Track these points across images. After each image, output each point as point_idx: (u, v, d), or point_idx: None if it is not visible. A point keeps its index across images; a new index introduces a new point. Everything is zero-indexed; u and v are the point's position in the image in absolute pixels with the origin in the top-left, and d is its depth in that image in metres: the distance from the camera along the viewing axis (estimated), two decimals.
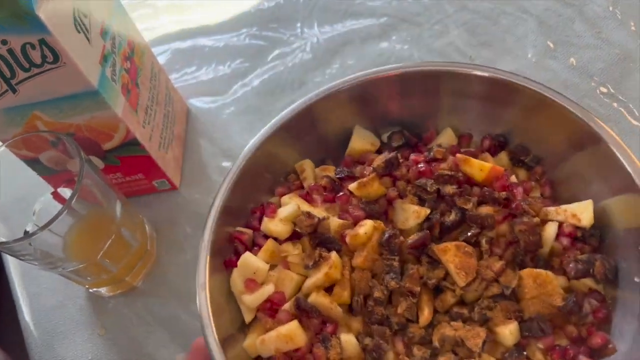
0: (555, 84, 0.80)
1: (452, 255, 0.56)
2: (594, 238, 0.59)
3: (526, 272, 0.55)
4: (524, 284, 0.55)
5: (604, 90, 0.80)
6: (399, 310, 0.56)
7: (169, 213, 0.82)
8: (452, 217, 0.59)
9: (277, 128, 0.66)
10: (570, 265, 0.56)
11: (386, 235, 0.59)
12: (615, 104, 0.78)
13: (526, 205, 0.59)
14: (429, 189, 0.61)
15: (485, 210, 0.59)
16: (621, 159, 0.57)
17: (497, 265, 0.56)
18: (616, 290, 0.56)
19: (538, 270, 0.55)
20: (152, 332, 0.72)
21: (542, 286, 0.55)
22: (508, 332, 0.53)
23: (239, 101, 0.91)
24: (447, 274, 0.57)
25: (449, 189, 0.60)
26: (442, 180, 0.61)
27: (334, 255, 0.58)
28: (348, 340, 0.56)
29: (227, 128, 0.88)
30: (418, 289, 0.56)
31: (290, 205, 0.62)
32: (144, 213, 0.80)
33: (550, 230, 0.58)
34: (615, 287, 0.56)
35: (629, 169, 0.56)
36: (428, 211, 0.60)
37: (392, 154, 0.64)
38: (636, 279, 0.54)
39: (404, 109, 0.71)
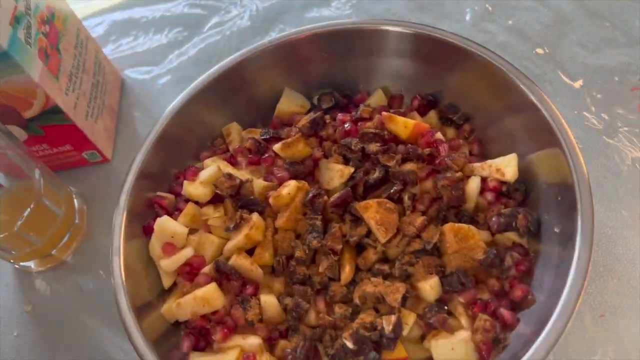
0: (492, 46, 0.79)
1: (373, 212, 0.55)
2: (519, 192, 0.58)
3: (447, 227, 0.55)
4: (445, 239, 0.54)
5: (540, 51, 0.79)
6: (321, 269, 0.55)
7: (101, 186, 0.79)
8: (375, 174, 0.58)
9: (200, 89, 0.64)
10: (493, 219, 0.55)
11: (310, 195, 0.57)
12: (550, 65, 0.78)
13: (450, 160, 0.58)
14: (353, 147, 0.59)
15: (408, 167, 0.58)
16: (546, 115, 0.56)
17: (419, 220, 0.55)
18: (539, 244, 0.56)
19: (459, 224, 0.55)
20: (81, 307, 0.70)
21: (464, 240, 0.54)
22: (429, 286, 0.52)
23: (175, 71, 0.88)
24: (369, 232, 0.56)
25: (373, 147, 0.59)
26: (366, 138, 0.60)
27: (255, 216, 0.57)
28: (268, 300, 0.54)
29: (161, 99, 0.85)
30: (340, 246, 0.55)
31: (211, 167, 0.60)
32: (74, 186, 0.77)
33: (473, 184, 0.57)
34: (538, 240, 0.56)
35: (553, 125, 0.55)
36: (352, 170, 0.59)
37: (318, 114, 0.63)
38: (556, 230, 0.53)
39: (335, 71, 0.69)
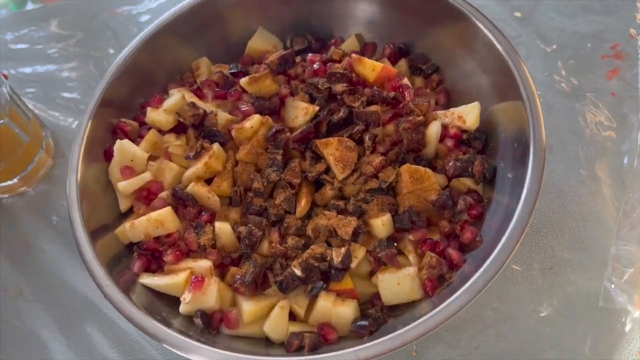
0: None
1: (333, 148, 0.55)
2: (478, 141, 0.59)
3: (404, 168, 0.55)
4: (401, 180, 0.55)
5: (518, 14, 0.79)
6: (277, 201, 0.55)
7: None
8: (340, 114, 0.58)
9: (171, 20, 0.63)
10: (450, 164, 0.56)
11: (273, 130, 0.57)
12: (526, 28, 0.78)
13: (413, 105, 0.58)
14: (320, 87, 0.59)
15: (372, 109, 0.58)
16: (514, 71, 0.56)
17: (377, 160, 0.55)
18: (492, 192, 0.56)
19: (416, 166, 0.55)
20: (43, 235, 0.70)
21: (419, 181, 0.54)
22: (380, 222, 0.53)
23: (155, 11, 0.87)
24: (328, 169, 0.56)
25: (340, 87, 0.59)
26: (334, 78, 0.60)
27: (215, 146, 0.57)
28: (223, 227, 0.54)
29: None
30: (298, 181, 0.55)
31: (175, 95, 0.60)
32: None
33: (433, 128, 0.57)
34: (492, 188, 0.56)
35: (518, 79, 0.56)
36: (317, 108, 0.59)
37: (288, 51, 0.62)
38: (509, 175, 0.54)
39: (311, 15, 0.69)
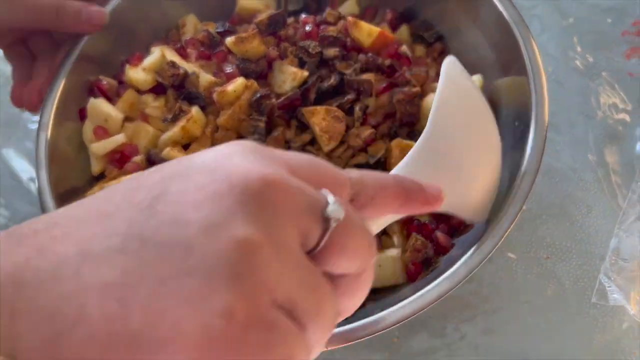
0: None
1: (320, 118, 0.51)
2: None
3: (395, 142, 0.51)
4: (391, 155, 0.51)
5: None
6: None
7: None
8: (330, 81, 0.54)
9: None
10: None
11: (257, 95, 0.53)
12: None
13: (410, 74, 0.54)
14: (311, 50, 0.55)
15: (366, 77, 0.54)
16: (519, 40, 0.52)
17: (367, 132, 0.51)
18: None
19: (408, 141, 0.51)
20: None
21: None
22: None
23: None
24: (314, 140, 0.53)
25: (332, 51, 0.55)
26: (326, 42, 0.56)
27: (194, 109, 0.53)
28: None
29: None
30: None
31: (155, 53, 0.56)
32: None
33: (429, 101, 0.53)
34: None
35: (523, 50, 0.51)
36: (306, 74, 0.55)
37: (279, 11, 0.58)
38: (507, 158, 0.50)
39: None
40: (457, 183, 0.40)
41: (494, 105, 0.54)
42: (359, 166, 0.51)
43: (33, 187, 0.68)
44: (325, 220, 0.23)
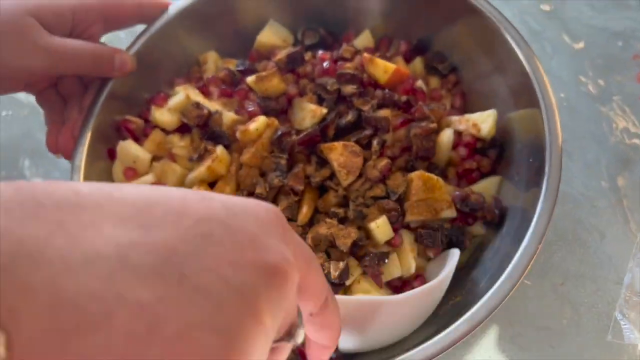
0: None
1: (337, 154, 0.53)
2: (493, 151, 0.56)
3: (417, 174, 0.53)
4: (412, 186, 0.53)
5: (546, 7, 0.75)
6: (280, 208, 0.54)
7: None
8: (348, 118, 0.56)
9: (182, 10, 0.61)
10: (457, 193, 0.53)
11: (279, 132, 0.55)
12: (554, 22, 0.74)
13: (427, 110, 0.55)
14: (329, 87, 0.57)
15: (383, 113, 0.56)
16: (531, 74, 0.53)
17: (382, 163, 0.53)
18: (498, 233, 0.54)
19: (429, 174, 0.53)
20: None
21: (430, 190, 0.52)
22: (375, 225, 0.51)
23: None
24: (333, 175, 0.55)
25: (349, 88, 0.56)
26: (343, 79, 0.57)
27: (219, 149, 0.55)
28: None
29: None
30: (301, 187, 0.54)
31: (180, 94, 0.58)
32: None
33: (445, 137, 0.55)
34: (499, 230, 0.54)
35: (535, 85, 0.53)
36: (325, 111, 0.57)
37: (297, 49, 0.60)
38: (523, 193, 0.52)
39: (326, 6, 0.66)
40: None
41: (508, 138, 0.56)
42: (377, 199, 0.53)
43: None
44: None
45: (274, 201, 0.56)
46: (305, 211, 0.53)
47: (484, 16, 0.57)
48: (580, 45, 0.71)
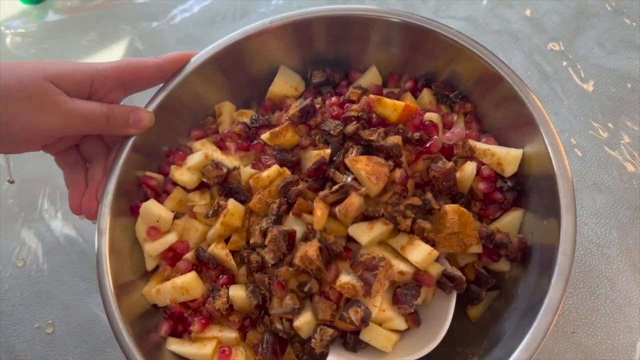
0: (505, 34, 0.76)
1: (363, 164, 0.53)
2: (511, 194, 0.57)
3: (453, 208, 0.54)
4: (447, 218, 0.53)
5: (555, 46, 0.76)
6: (266, 241, 0.53)
7: None
8: (354, 153, 0.56)
9: (201, 64, 0.62)
10: (483, 229, 0.55)
11: (285, 181, 0.56)
12: (564, 62, 0.74)
13: (456, 148, 0.57)
14: (332, 132, 0.57)
15: (393, 139, 0.56)
16: (548, 147, 0.53)
17: (398, 174, 0.54)
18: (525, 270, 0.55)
19: (464, 209, 0.54)
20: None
21: (464, 225, 0.53)
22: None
23: (178, 28, 0.86)
24: (348, 190, 0.53)
25: (351, 127, 0.57)
26: (349, 122, 0.58)
27: (231, 202, 0.56)
28: (235, 294, 0.54)
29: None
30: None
31: (198, 154, 0.60)
32: None
33: (469, 170, 0.56)
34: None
35: (552, 157, 0.53)
36: (329, 151, 0.57)
37: (308, 101, 0.60)
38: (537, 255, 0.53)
39: (332, 51, 0.67)
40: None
41: (524, 175, 0.57)
42: (412, 207, 0.53)
43: (76, 257, 0.72)
44: None
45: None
46: (319, 214, 0.52)
47: (491, 71, 0.58)
48: (591, 86, 0.72)
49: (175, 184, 0.60)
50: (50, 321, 0.67)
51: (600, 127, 0.69)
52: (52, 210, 0.75)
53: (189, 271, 0.56)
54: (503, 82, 0.57)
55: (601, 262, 0.62)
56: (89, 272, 0.70)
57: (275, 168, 0.57)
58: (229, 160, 0.60)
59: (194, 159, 0.59)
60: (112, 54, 0.84)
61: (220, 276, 0.56)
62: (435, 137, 0.58)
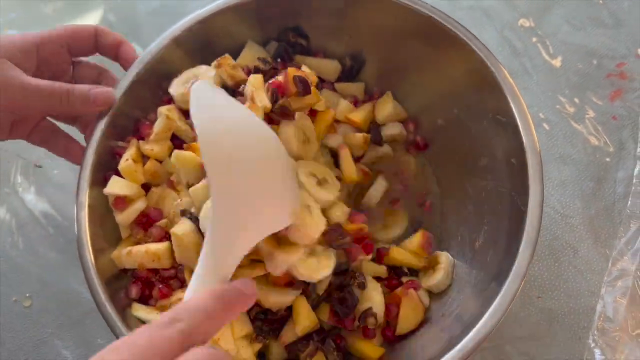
0: (477, 10, 0.78)
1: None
2: None
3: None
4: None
5: (525, 23, 0.78)
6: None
7: None
8: None
9: (174, 38, 0.62)
10: None
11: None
12: (533, 39, 0.77)
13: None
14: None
15: None
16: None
17: None
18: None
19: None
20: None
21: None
22: None
23: None
24: None
25: None
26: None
27: None
28: None
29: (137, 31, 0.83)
30: None
31: (160, 118, 0.60)
32: None
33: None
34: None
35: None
36: None
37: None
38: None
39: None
40: (263, 209, 0.43)
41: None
42: None
43: (51, 230, 0.72)
44: None
45: None
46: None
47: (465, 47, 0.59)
48: (559, 61, 0.74)
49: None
50: (27, 295, 0.67)
51: (567, 102, 0.72)
52: (26, 184, 0.74)
53: (160, 238, 0.57)
54: (474, 56, 0.58)
55: (565, 230, 0.65)
56: (66, 245, 0.70)
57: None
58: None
59: (158, 125, 0.60)
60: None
61: None
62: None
